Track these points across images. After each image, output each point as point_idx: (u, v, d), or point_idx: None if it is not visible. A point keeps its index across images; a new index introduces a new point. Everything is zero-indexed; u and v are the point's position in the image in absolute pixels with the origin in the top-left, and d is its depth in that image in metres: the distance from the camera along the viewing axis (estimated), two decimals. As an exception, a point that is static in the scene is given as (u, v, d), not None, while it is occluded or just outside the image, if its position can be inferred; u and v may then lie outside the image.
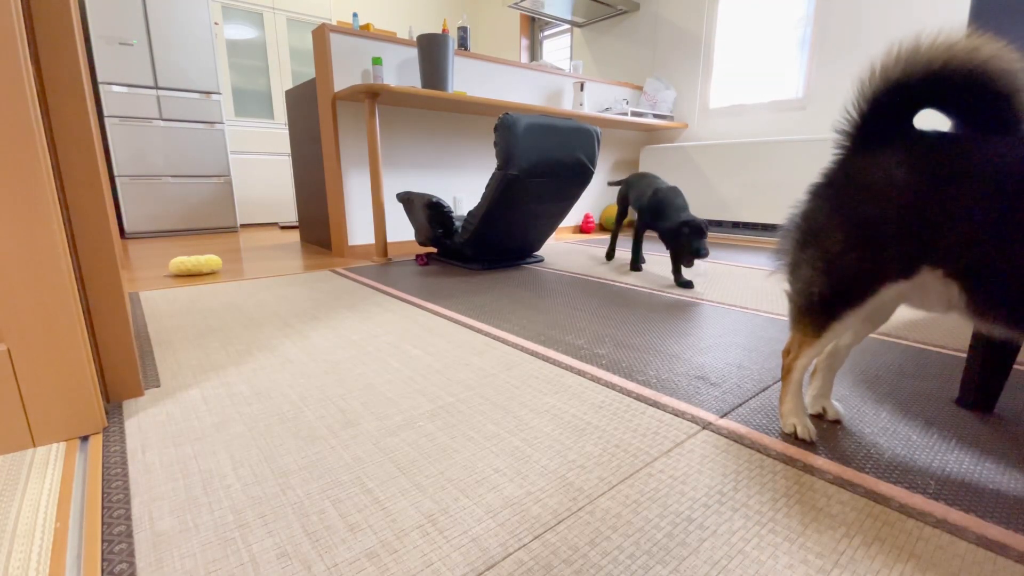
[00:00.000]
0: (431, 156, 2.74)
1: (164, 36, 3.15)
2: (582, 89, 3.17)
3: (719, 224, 3.27)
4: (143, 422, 0.81)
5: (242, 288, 1.77)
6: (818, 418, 0.83)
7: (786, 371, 0.77)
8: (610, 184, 2.47)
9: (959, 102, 0.59)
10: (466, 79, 2.79)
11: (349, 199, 2.50)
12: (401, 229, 2.73)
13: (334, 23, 4.14)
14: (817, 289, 0.69)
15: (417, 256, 2.37)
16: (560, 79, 3.25)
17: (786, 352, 0.77)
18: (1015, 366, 1.04)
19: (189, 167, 3.35)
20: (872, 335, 1.26)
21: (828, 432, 0.78)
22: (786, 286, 0.75)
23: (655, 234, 2.90)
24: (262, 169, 3.91)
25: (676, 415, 0.84)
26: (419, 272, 2.10)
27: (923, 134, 0.62)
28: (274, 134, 3.92)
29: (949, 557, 0.53)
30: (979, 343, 0.84)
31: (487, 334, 1.25)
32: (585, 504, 0.61)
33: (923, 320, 1.38)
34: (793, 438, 0.76)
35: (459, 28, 2.90)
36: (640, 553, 0.53)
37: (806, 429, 0.75)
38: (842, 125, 0.68)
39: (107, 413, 0.83)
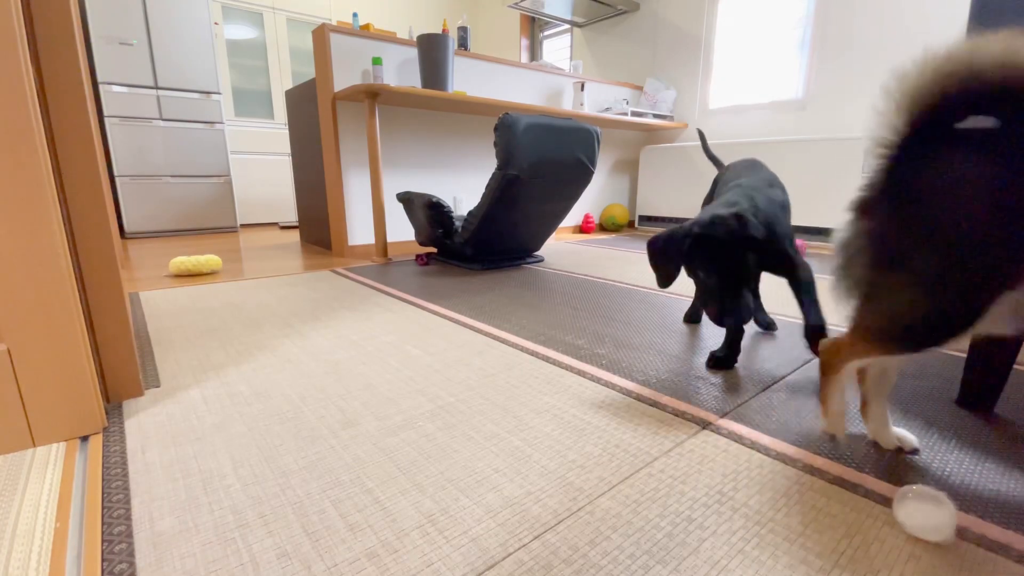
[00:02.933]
0: (431, 156, 2.74)
1: (164, 36, 3.15)
2: (582, 89, 3.17)
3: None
4: (143, 422, 0.81)
5: (242, 288, 1.77)
6: (898, 452, 0.76)
7: (831, 368, 0.73)
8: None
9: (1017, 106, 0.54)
10: (466, 79, 2.79)
11: (349, 199, 2.50)
12: (401, 229, 2.73)
13: (334, 23, 4.14)
14: (922, 314, 0.61)
15: (417, 256, 2.37)
16: (560, 79, 3.25)
17: (834, 351, 0.72)
18: (1015, 366, 1.04)
19: (189, 167, 3.35)
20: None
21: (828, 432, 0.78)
22: (849, 310, 0.68)
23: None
24: (262, 169, 3.91)
25: (676, 415, 0.84)
26: (419, 272, 2.10)
27: (981, 129, 0.57)
28: (274, 134, 3.92)
29: (949, 557, 0.53)
30: (979, 343, 0.84)
31: (487, 334, 1.25)
32: (585, 504, 0.61)
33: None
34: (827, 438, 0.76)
35: (459, 28, 2.90)
36: (640, 553, 0.53)
37: (845, 436, 0.76)
38: (886, 131, 0.62)
39: (107, 413, 0.83)
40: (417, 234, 2.32)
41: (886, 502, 0.61)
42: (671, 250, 0.99)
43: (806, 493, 0.63)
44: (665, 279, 1.01)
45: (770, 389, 0.94)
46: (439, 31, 2.99)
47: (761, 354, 1.12)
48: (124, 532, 0.56)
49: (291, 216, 4.10)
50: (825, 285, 1.65)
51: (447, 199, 2.85)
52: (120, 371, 0.87)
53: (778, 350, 1.15)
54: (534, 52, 5.03)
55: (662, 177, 3.51)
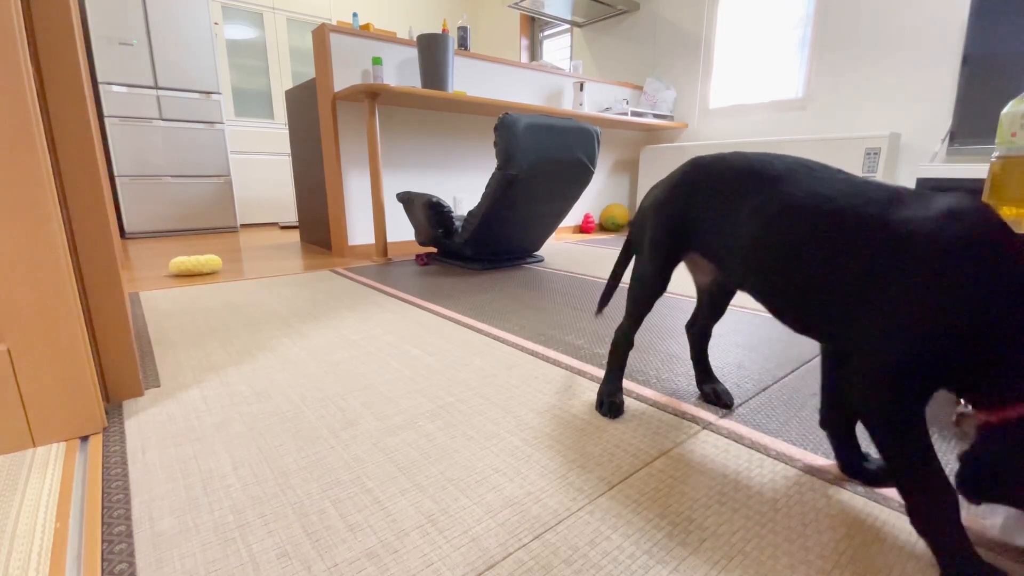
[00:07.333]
0: (431, 156, 2.74)
1: (164, 36, 3.15)
2: (582, 89, 3.17)
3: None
4: (143, 422, 0.81)
5: (242, 288, 1.77)
6: None
7: None
8: None
9: None
10: (466, 79, 2.79)
11: (349, 199, 2.50)
12: (401, 229, 2.73)
13: (334, 23, 4.14)
14: None
15: (417, 256, 2.37)
16: (560, 79, 3.25)
17: None
18: None
19: (189, 167, 3.35)
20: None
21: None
22: None
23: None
24: (262, 169, 3.90)
25: (676, 415, 0.84)
26: (419, 272, 2.10)
27: None
28: (274, 134, 3.92)
29: (949, 557, 0.52)
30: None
31: (487, 334, 1.25)
32: (585, 504, 0.61)
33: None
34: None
35: (459, 28, 2.90)
36: (640, 553, 0.53)
37: None
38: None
39: (107, 413, 0.83)
40: (417, 234, 2.32)
41: (886, 502, 0.61)
42: None
43: (806, 493, 0.63)
44: None
45: (770, 389, 0.94)
46: (439, 31, 2.99)
47: (761, 354, 1.12)
48: (124, 532, 0.56)
49: (291, 216, 4.10)
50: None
51: (447, 199, 2.85)
52: (120, 371, 0.87)
53: (777, 351, 1.15)
54: (534, 52, 5.03)
55: (662, 177, 3.51)
